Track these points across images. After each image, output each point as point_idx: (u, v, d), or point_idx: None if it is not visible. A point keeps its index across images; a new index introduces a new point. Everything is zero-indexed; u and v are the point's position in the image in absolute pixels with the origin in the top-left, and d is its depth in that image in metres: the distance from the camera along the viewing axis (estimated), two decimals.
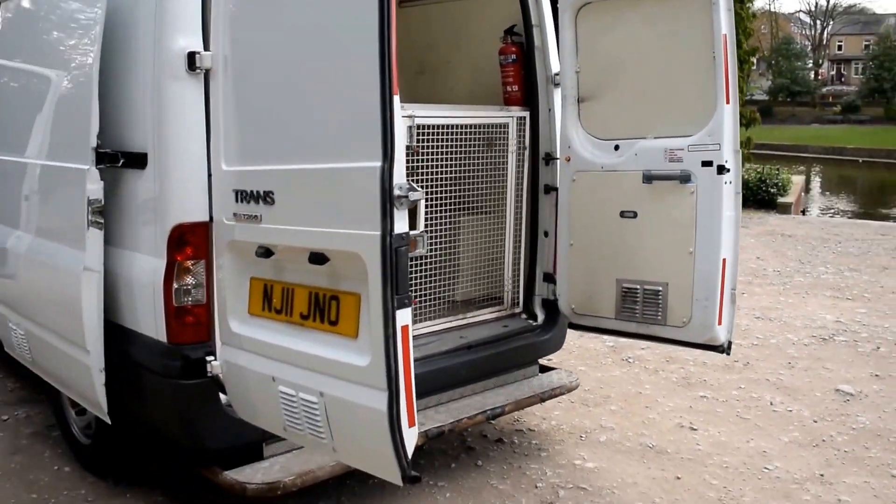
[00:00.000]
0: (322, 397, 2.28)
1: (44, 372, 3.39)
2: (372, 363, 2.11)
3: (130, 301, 2.85)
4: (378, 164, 2.02)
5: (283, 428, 2.49)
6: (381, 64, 1.99)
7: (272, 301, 2.49)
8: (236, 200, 2.51)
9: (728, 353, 3.28)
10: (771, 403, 4.39)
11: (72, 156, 2.87)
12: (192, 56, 2.60)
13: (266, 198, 2.39)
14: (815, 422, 4.15)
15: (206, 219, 2.70)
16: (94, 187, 2.75)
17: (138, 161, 2.76)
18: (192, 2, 2.62)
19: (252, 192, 2.44)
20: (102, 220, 2.80)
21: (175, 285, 2.68)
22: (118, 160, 2.81)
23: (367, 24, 2.01)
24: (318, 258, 2.24)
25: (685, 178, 3.17)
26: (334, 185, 2.17)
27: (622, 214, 3.31)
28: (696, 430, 4.03)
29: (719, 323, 3.14)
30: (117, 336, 2.85)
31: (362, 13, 2.03)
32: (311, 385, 2.31)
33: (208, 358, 2.71)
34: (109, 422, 2.90)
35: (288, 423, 2.44)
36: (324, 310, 2.31)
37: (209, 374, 2.71)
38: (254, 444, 2.89)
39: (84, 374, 2.92)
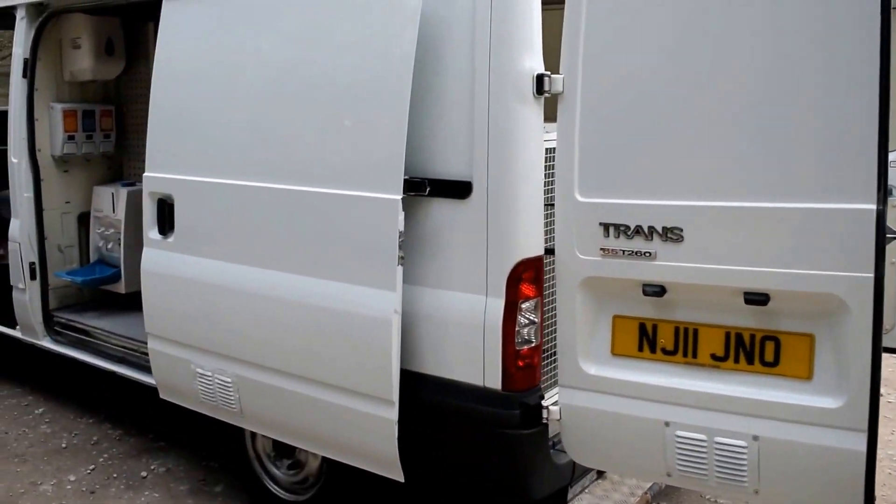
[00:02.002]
0: (756, 441, 2.20)
1: (267, 424, 2.97)
2: (847, 404, 2.07)
3: (439, 345, 2.57)
4: (871, 206, 1.97)
5: (668, 473, 2.37)
6: (882, 89, 1.93)
7: (657, 341, 2.35)
8: (605, 235, 2.34)
9: None
10: None
11: (365, 184, 2.51)
12: (540, 79, 2.37)
13: (668, 234, 2.24)
14: None
15: (542, 253, 2.52)
16: (401, 219, 2.45)
17: (455, 190, 2.48)
18: (535, 23, 2.39)
19: (639, 227, 2.28)
20: (403, 256, 2.50)
21: (516, 327, 2.46)
22: (423, 189, 2.52)
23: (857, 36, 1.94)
24: (756, 298, 2.15)
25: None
26: (793, 224, 2.09)
27: None
28: None
29: None
30: (411, 383, 2.58)
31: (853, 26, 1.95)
32: (738, 429, 2.21)
33: (544, 404, 2.53)
34: (402, 479, 2.62)
35: (680, 467, 2.33)
36: (751, 351, 2.23)
37: (544, 421, 2.52)
38: (562, 489, 2.75)
39: (367, 429, 2.61)
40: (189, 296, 3.08)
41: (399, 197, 2.46)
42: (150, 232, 3.19)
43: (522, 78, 2.38)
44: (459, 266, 2.54)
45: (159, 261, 3.17)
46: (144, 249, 3.22)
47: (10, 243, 4.09)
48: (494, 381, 2.50)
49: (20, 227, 4.04)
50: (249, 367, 2.94)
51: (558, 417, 2.51)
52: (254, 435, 3.28)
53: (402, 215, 2.44)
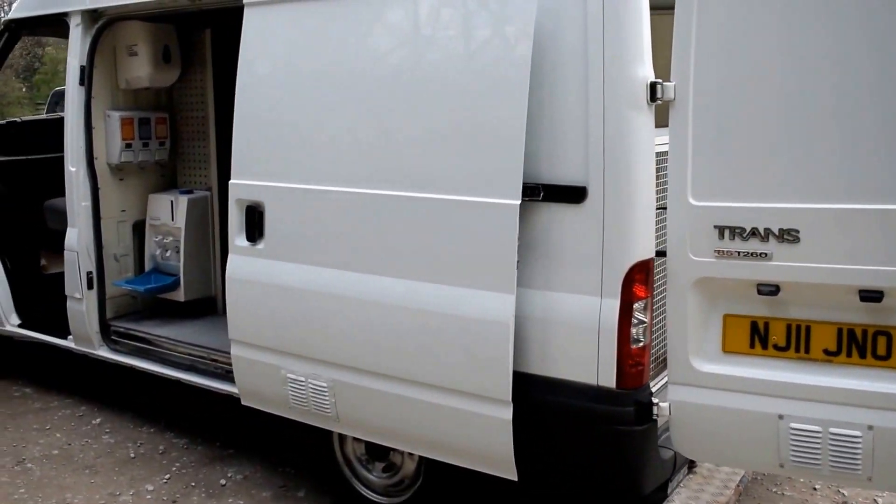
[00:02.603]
0: (870, 430, 2.32)
1: (365, 428, 3.01)
2: None
3: (549, 345, 2.64)
4: None
5: (780, 464, 2.48)
6: None
7: (769, 338, 2.46)
8: (720, 237, 2.44)
9: None
10: None
11: (481, 189, 2.58)
12: (653, 87, 2.46)
13: (784, 235, 2.35)
14: None
15: (653, 255, 2.61)
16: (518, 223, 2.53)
17: (570, 195, 2.55)
18: (646, 31, 2.48)
19: (755, 229, 2.38)
20: (518, 259, 2.58)
21: (631, 327, 2.55)
22: (537, 193, 2.59)
23: None
24: (871, 296, 2.27)
25: None
26: None
27: None
28: None
29: None
30: (519, 383, 2.64)
31: None
32: (852, 420, 2.33)
33: (654, 400, 2.62)
34: (516, 478, 2.69)
35: (794, 458, 2.43)
36: (864, 345, 2.35)
37: (654, 417, 2.62)
38: (664, 484, 2.84)
39: (480, 429, 2.67)
40: (281, 302, 3.10)
41: (517, 202, 2.53)
42: (237, 239, 3.21)
43: (636, 86, 2.47)
44: (572, 268, 2.61)
45: (247, 268, 3.19)
46: (230, 257, 3.23)
47: (66, 252, 4.05)
48: (608, 379, 2.59)
49: (78, 236, 4.02)
50: (348, 371, 2.98)
51: (668, 413, 2.62)
52: (342, 439, 3.32)
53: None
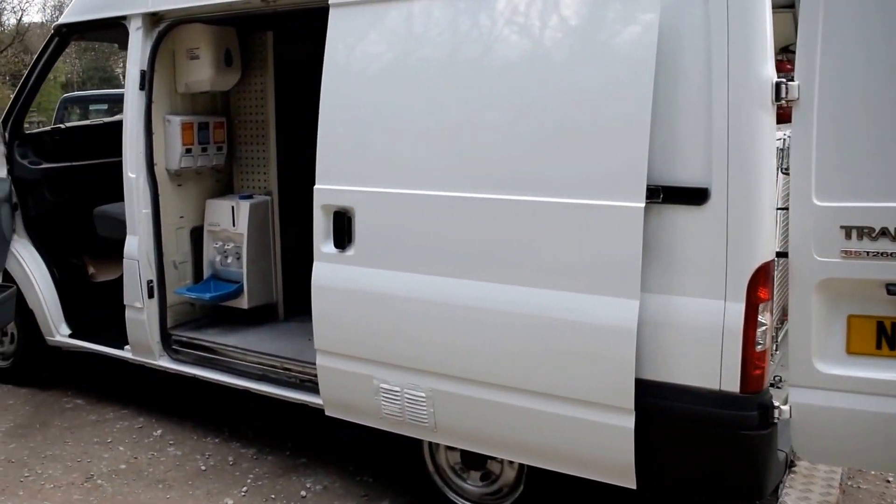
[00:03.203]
0: None
1: (468, 438, 2.94)
2: None
3: (667, 350, 2.58)
4: None
5: None
6: None
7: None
8: (847, 237, 2.40)
9: None
10: None
11: (602, 192, 2.52)
12: (777, 86, 2.42)
13: None
14: None
15: (775, 257, 2.57)
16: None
17: (692, 196, 2.50)
18: (769, 31, 2.44)
19: (885, 228, 2.34)
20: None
21: (754, 330, 2.51)
22: (658, 195, 2.54)
23: None
24: None
25: None
26: None
27: None
28: None
29: None
30: (637, 390, 2.59)
31: None
32: None
33: (775, 403, 2.58)
34: (635, 485, 2.65)
35: None
36: None
37: (775, 420, 2.58)
38: (777, 485, 2.81)
39: (598, 438, 2.63)
40: (375, 310, 3.03)
41: (642, 205, 2.48)
42: (324, 246, 3.13)
43: (761, 86, 2.43)
44: (694, 271, 2.56)
45: (335, 276, 3.12)
46: (316, 264, 3.15)
47: (125, 261, 3.95)
48: (732, 383, 2.54)
49: (138, 244, 3.92)
50: (449, 380, 2.91)
51: (789, 416, 2.59)
52: (434, 448, 3.26)
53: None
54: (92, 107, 11.54)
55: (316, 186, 3.14)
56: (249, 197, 4.14)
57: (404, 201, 2.93)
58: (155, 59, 3.83)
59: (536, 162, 2.67)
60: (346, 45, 3.07)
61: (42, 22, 30.08)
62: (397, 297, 2.97)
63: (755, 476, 2.64)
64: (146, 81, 3.82)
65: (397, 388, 3.04)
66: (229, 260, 4.14)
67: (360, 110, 3.02)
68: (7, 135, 4.42)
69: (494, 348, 2.80)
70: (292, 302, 4.35)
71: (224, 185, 4.36)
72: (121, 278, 4.66)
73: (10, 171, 4.46)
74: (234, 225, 4.08)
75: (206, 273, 4.22)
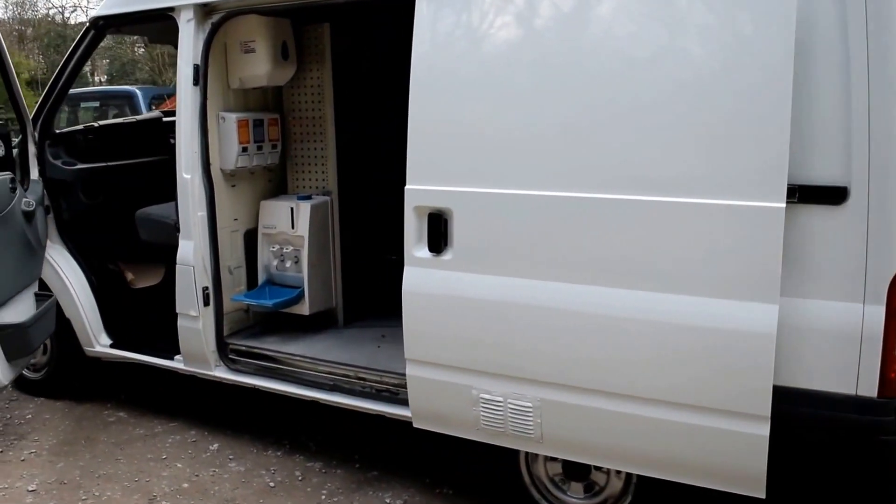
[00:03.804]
0: None
1: (578, 449, 2.80)
2: None
3: (799, 354, 2.48)
4: None
5: None
6: None
7: None
8: None
9: None
10: None
11: (736, 192, 2.39)
12: None
13: None
14: None
15: None
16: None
17: (829, 196, 2.40)
18: None
19: None
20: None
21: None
22: (793, 195, 2.43)
23: None
24: None
25: None
26: None
27: None
28: None
29: None
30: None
31: None
32: None
33: None
34: (764, 495, 2.55)
35: None
36: None
37: None
38: None
39: (727, 446, 2.52)
40: (476, 317, 2.88)
41: (783, 205, 2.37)
42: (416, 250, 2.97)
43: None
44: (830, 273, 2.46)
45: (430, 281, 2.96)
46: (407, 269, 2.99)
47: (178, 267, 3.73)
48: (870, 388, 2.45)
49: (194, 248, 3.70)
50: (561, 389, 2.77)
51: None
52: (531, 459, 3.13)
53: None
54: (83, 104, 11.16)
55: (407, 187, 2.97)
56: (308, 198, 3.94)
57: (511, 202, 2.77)
58: (209, 53, 3.63)
59: (665, 160, 2.53)
60: (436, 36, 2.89)
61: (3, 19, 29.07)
62: (502, 304, 2.82)
63: (892, 482, 2.58)
64: (200, 77, 3.60)
65: (500, 399, 2.90)
66: (287, 264, 3.94)
67: (457, 106, 2.85)
68: (37, 134, 4.18)
69: (613, 356, 2.67)
70: (349, 307, 4.19)
71: (276, 185, 4.16)
72: (161, 285, 4.48)
73: (41, 173, 4.22)
74: (292, 227, 3.88)
75: (261, 278, 4.02)
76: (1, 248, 3.49)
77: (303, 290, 3.90)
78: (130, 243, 4.48)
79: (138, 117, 5.13)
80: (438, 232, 2.93)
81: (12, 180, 3.71)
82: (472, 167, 2.86)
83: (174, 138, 5.05)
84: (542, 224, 2.73)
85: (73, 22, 27.59)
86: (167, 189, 4.54)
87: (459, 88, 2.85)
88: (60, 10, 29.79)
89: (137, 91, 11.43)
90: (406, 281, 3.02)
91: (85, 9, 26.68)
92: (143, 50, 24.61)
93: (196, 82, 3.61)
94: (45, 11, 27.71)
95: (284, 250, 3.94)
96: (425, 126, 2.92)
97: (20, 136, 4.10)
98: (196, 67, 3.60)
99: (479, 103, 2.80)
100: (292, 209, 3.88)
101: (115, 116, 10.50)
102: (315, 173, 4.07)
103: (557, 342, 2.76)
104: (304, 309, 3.92)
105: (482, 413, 2.95)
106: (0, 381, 3.46)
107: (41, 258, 4.04)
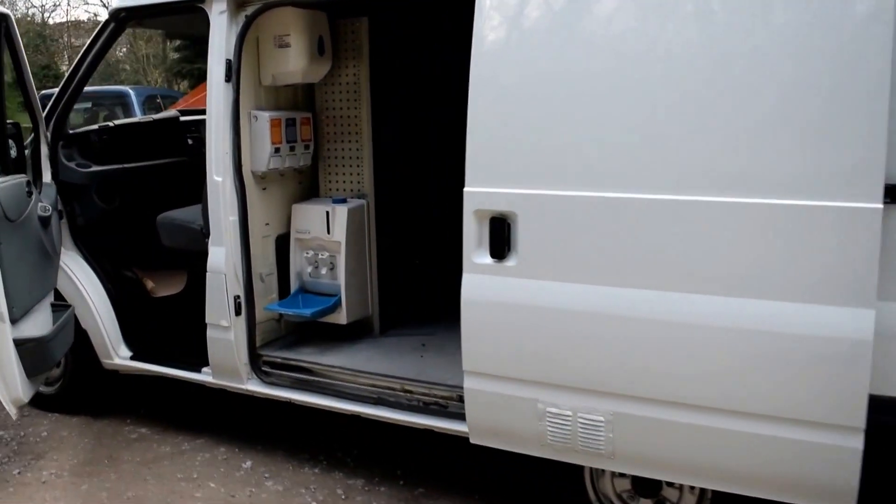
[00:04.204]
0: None
1: (653, 464, 2.65)
2: None
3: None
4: None
5: None
6: None
7: None
8: None
9: None
10: None
11: (828, 192, 2.25)
12: None
13: None
14: None
15: None
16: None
17: None
18: None
19: None
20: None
21: None
22: (893, 194, 2.29)
23: None
24: None
25: None
26: None
27: None
28: None
29: None
30: None
31: None
32: None
33: None
34: None
35: None
36: None
37: None
38: None
39: (816, 460, 2.38)
40: (544, 326, 2.71)
41: (881, 206, 2.23)
42: (477, 256, 2.79)
43: None
44: None
45: (492, 289, 2.78)
46: (466, 277, 2.82)
47: (209, 275, 3.52)
48: None
49: (226, 255, 3.50)
50: (636, 402, 2.61)
51: None
52: (597, 475, 2.96)
53: None
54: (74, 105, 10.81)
55: (466, 189, 2.79)
56: (344, 201, 3.74)
57: (584, 205, 2.60)
58: (242, 48, 3.43)
59: (756, 160, 2.37)
60: (502, 27, 2.72)
61: None
62: (573, 312, 2.65)
63: None
64: (233, 73, 3.40)
65: (568, 412, 2.73)
66: (322, 271, 3.73)
67: (524, 103, 2.68)
68: (50, 135, 3.95)
69: (694, 366, 2.50)
70: (385, 315, 4.00)
71: (306, 187, 3.95)
72: (183, 293, 4.27)
73: (53, 175, 3.99)
74: (328, 232, 3.67)
75: (294, 286, 3.80)
76: (19, 257, 3.27)
77: (339, 298, 3.70)
78: (149, 249, 4.27)
79: (155, 116, 4.89)
80: (501, 237, 2.78)
81: (28, 183, 3.49)
82: (541, 168, 2.68)
83: (191, 138, 4.94)
84: (618, 228, 2.55)
85: (52, 22, 27.07)
86: (186, 192, 4.35)
87: (528, 84, 2.67)
88: (41, 9, 29.07)
89: (130, 91, 11.14)
90: (465, 289, 2.84)
91: (66, 9, 26.14)
92: (125, 50, 24.20)
93: (228, 79, 3.40)
94: (25, 10, 27.03)
95: (319, 256, 3.73)
96: (487, 124, 2.74)
97: (32, 136, 3.87)
98: (228, 63, 3.39)
99: (552, 99, 2.62)
100: (328, 213, 3.67)
101: (105, 118, 10.18)
102: (349, 175, 3.86)
103: (633, 352, 2.60)
104: (340, 318, 3.72)
105: (548, 428, 2.78)
106: (20, 399, 3.24)
107: (57, 266, 3.81)
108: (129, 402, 4.36)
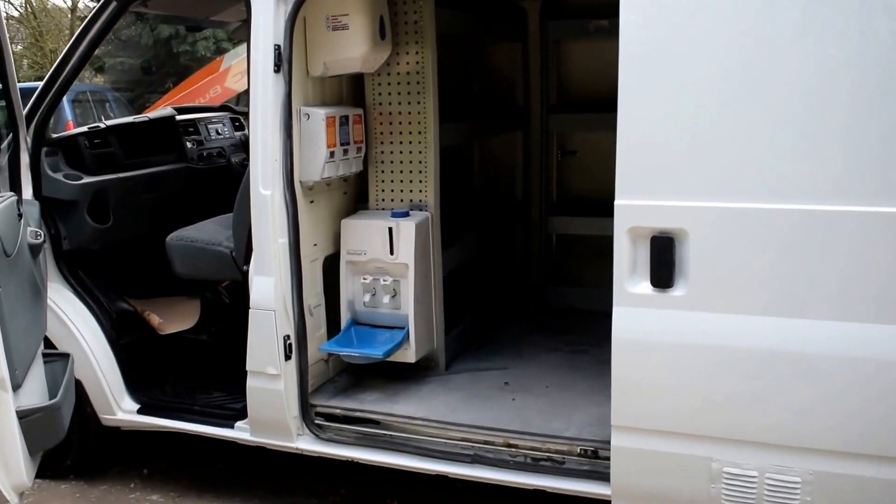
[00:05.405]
0: None
1: None
2: None
3: None
4: None
5: None
6: None
7: None
8: None
9: None
10: None
11: None
12: None
13: None
14: None
15: None
16: None
17: None
18: None
19: None
20: None
21: None
22: None
23: None
24: None
25: None
26: None
27: None
28: None
29: None
30: None
31: None
32: None
33: None
34: None
35: None
36: None
37: None
38: None
39: None
40: (723, 369, 2.22)
41: None
42: (632, 284, 2.28)
43: None
44: None
45: (654, 324, 2.27)
46: (618, 310, 2.30)
47: (253, 311, 2.83)
48: None
49: (275, 287, 2.83)
50: (842, 458, 2.15)
51: None
52: None
53: None
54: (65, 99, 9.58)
55: (617, 202, 2.28)
56: (406, 214, 3.12)
57: (778, 220, 2.13)
58: (293, 30, 2.77)
59: None
60: (654, 21, 2.21)
61: None
62: (764, 351, 2.17)
63: None
64: (283, 60, 2.74)
65: (753, 473, 2.25)
66: (384, 299, 3.08)
67: (691, 98, 2.18)
68: (30, 139, 3.17)
69: None
70: (448, 347, 3.41)
71: (352, 198, 3.31)
72: (193, 329, 3.56)
73: (35, 190, 3.21)
74: (391, 253, 3.03)
75: (345, 318, 3.16)
76: (15, 301, 2.50)
77: (407, 332, 3.09)
78: (146, 275, 3.55)
79: (150, 115, 4.11)
80: (665, 261, 2.27)
81: (18, 203, 2.73)
82: (719, 177, 2.19)
83: (190, 140, 4.19)
84: (822, 248, 2.10)
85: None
86: (191, 206, 3.66)
87: (689, 77, 2.18)
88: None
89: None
90: (617, 325, 2.31)
91: None
92: (26, 43, 22.21)
93: (278, 68, 2.74)
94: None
95: (381, 282, 3.10)
96: (642, 124, 2.23)
97: (9, 140, 3.09)
98: (278, 49, 2.73)
99: (723, 96, 2.14)
100: (391, 230, 3.04)
101: (88, 119, 9.07)
102: (407, 182, 3.22)
103: (840, 398, 2.16)
104: (409, 356, 3.09)
105: (724, 491, 2.29)
106: (24, 484, 2.48)
107: (44, 307, 3.03)
108: (126, 458, 3.60)
